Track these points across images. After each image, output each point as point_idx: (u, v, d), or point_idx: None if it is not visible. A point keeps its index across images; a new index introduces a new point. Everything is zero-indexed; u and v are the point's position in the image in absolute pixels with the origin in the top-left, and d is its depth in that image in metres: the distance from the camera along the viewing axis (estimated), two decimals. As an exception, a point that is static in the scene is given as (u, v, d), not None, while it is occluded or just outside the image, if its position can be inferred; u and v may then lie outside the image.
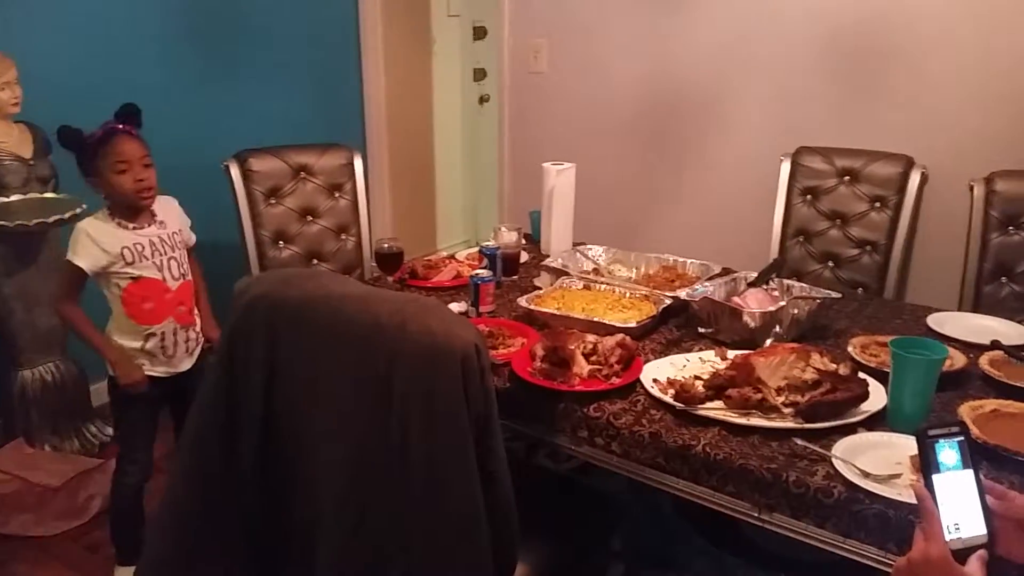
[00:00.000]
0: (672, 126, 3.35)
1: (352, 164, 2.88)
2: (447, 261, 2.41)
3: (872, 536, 1.25)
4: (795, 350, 1.54)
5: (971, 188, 2.41)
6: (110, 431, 2.87)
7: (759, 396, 1.48)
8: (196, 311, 2.18)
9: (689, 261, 2.23)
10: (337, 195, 2.86)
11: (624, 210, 3.50)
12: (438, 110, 4.75)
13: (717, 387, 1.53)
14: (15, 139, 2.59)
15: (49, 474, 2.52)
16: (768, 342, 1.75)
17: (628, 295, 2.03)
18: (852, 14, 2.86)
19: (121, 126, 2.01)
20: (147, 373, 2.09)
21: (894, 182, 2.58)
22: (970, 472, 0.98)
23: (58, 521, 2.49)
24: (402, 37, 4.31)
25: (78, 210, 2.50)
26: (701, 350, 1.77)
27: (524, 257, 2.41)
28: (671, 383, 1.57)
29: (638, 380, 1.61)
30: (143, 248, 2.05)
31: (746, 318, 1.78)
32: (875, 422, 1.46)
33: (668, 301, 1.95)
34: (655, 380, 1.60)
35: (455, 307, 1.97)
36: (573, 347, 1.66)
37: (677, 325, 1.93)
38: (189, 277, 2.15)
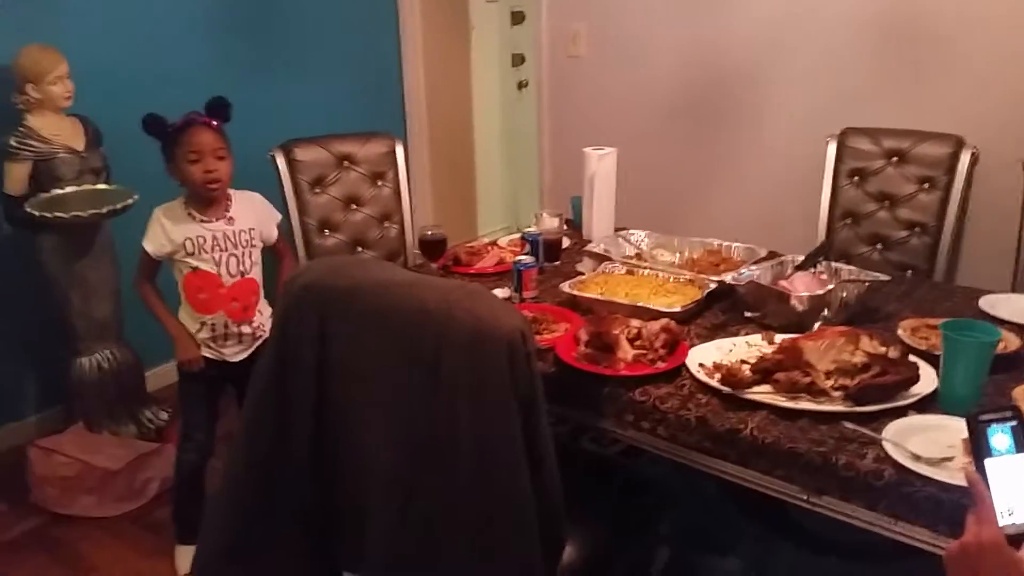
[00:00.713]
0: (714, 109, 3.31)
1: (394, 152, 2.90)
2: (489, 248, 2.42)
3: (924, 518, 1.23)
4: (844, 333, 1.53)
5: (1024, 167, 2.35)
6: (165, 416, 2.95)
7: (808, 380, 1.47)
8: (258, 308, 2.22)
9: (734, 245, 2.20)
10: (380, 183, 2.89)
11: (666, 195, 3.47)
12: (477, 96, 4.75)
13: (764, 371, 1.52)
14: (68, 132, 2.66)
15: (109, 458, 2.60)
16: (816, 326, 1.73)
17: (672, 280, 2.02)
18: (899, -10, 2.80)
19: (202, 117, 2.06)
20: (203, 355, 2.17)
21: (943, 162, 2.52)
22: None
23: (118, 502, 2.58)
24: (441, 23, 4.32)
25: (130, 200, 2.57)
26: (747, 334, 1.76)
27: (566, 243, 2.41)
28: (717, 367, 1.57)
29: (684, 364, 1.61)
30: (204, 241, 2.11)
31: (794, 302, 1.77)
32: (926, 405, 1.44)
33: (713, 285, 1.93)
34: (701, 364, 1.60)
35: (499, 293, 1.98)
36: (617, 332, 1.66)
37: (722, 309, 1.92)
38: (251, 275, 2.18)
